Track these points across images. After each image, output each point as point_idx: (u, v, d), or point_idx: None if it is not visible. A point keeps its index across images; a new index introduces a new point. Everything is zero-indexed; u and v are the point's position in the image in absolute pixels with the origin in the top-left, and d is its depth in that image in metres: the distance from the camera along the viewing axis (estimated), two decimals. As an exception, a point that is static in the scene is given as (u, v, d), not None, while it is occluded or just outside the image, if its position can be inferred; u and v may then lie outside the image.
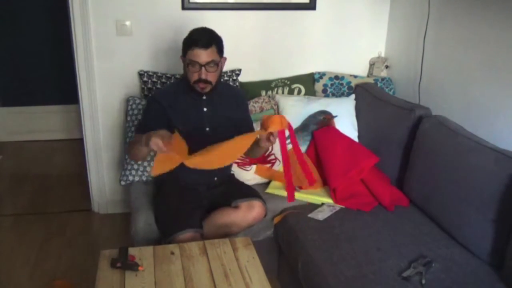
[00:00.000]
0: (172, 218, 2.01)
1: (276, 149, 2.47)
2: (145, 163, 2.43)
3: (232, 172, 2.35)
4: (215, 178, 2.20)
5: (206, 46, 1.95)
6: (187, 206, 2.04)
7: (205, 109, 2.12)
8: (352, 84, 2.82)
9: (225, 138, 1.95)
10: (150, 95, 2.25)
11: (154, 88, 2.61)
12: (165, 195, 2.16)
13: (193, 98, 2.11)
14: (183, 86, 2.12)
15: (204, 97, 2.10)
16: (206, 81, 2.01)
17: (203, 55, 1.95)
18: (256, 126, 2.44)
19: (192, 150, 1.96)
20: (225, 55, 2.07)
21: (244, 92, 2.40)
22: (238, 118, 2.20)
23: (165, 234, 2.00)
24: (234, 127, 2.13)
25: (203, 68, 1.97)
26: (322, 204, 2.21)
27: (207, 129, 2.11)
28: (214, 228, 2.03)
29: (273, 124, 1.85)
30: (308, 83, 2.84)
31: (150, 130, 1.89)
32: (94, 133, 2.75)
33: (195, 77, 2.00)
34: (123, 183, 2.44)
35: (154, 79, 2.62)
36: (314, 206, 2.19)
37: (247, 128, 2.20)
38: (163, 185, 2.21)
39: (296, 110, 2.59)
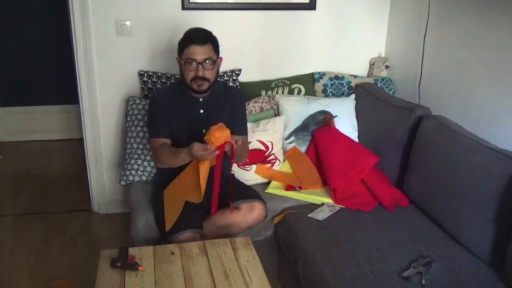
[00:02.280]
0: None
1: (276, 149, 2.47)
2: (145, 163, 2.43)
3: (232, 172, 2.35)
4: None
5: (202, 42, 1.97)
6: (187, 206, 2.04)
7: (201, 111, 2.12)
8: (352, 84, 2.83)
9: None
10: (150, 95, 2.24)
11: (154, 88, 2.61)
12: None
13: (190, 100, 2.11)
14: (180, 89, 2.12)
15: (201, 99, 2.10)
16: (204, 78, 2.01)
17: (200, 52, 1.97)
18: (255, 127, 2.45)
19: None
20: (225, 55, 2.07)
21: (242, 93, 2.38)
22: (234, 120, 2.18)
23: (165, 234, 2.00)
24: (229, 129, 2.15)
25: (200, 65, 1.98)
26: (322, 204, 2.21)
27: (204, 130, 2.10)
28: (214, 229, 2.03)
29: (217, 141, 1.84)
30: (308, 83, 2.84)
31: (166, 133, 2.06)
32: (94, 133, 2.75)
33: (191, 75, 2.01)
34: (123, 183, 2.44)
35: (154, 79, 2.62)
36: (314, 206, 2.19)
37: (240, 131, 2.18)
38: (164, 185, 2.21)
39: (296, 110, 2.59)
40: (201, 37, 1.98)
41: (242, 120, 2.25)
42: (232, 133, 2.09)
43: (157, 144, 2.09)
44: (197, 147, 1.83)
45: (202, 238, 1.95)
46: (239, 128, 2.19)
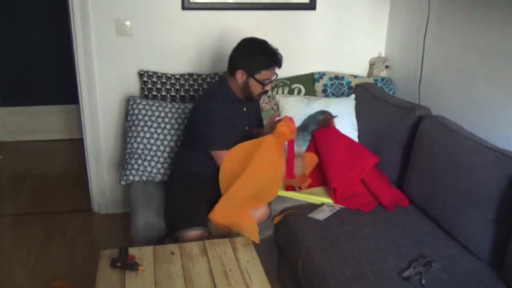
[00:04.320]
0: (182, 214, 2.02)
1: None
2: (145, 163, 2.43)
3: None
4: None
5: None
6: (199, 204, 2.05)
7: (245, 109, 2.19)
8: (352, 84, 2.82)
9: (252, 133, 2.24)
10: (208, 103, 2.11)
11: (154, 88, 2.62)
12: (180, 190, 2.16)
13: (235, 101, 2.14)
14: (225, 91, 2.13)
15: (244, 98, 2.15)
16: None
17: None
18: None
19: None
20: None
21: None
22: (258, 110, 2.36)
23: (172, 229, 2.00)
24: (256, 121, 2.34)
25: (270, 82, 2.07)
26: (322, 204, 2.21)
27: (247, 127, 2.20)
28: (218, 227, 2.04)
29: (282, 136, 2.02)
30: (308, 83, 2.84)
31: (232, 141, 2.07)
32: (94, 133, 2.75)
33: (262, 90, 2.07)
34: (123, 182, 2.44)
35: (154, 79, 2.62)
36: (314, 206, 2.19)
37: (260, 119, 2.38)
38: (180, 180, 2.21)
39: (296, 110, 2.59)
40: (282, 60, 2.05)
41: (259, 108, 2.45)
42: (259, 123, 2.33)
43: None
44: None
45: (210, 235, 1.96)
46: (260, 117, 2.38)
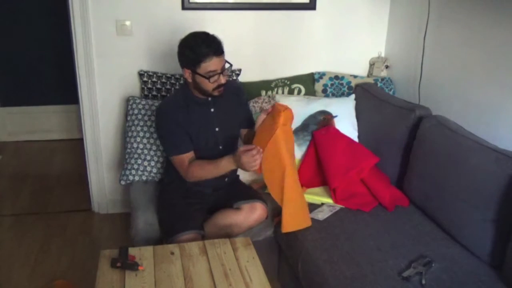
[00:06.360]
0: (174, 219, 2.02)
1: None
2: (145, 163, 2.43)
3: (237, 174, 2.34)
4: (226, 179, 2.20)
5: (222, 52, 1.93)
6: (190, 207, 2.05)
7: (212, 110, 2.10)
8: (352, 84, 2.83)
9: (232, 134, 2.15)
10: (157, 110, 2.12)
11: (154, 88, 2.62)
12: (169, 195, 2.16)
13: (199, 102, 2.07)
14: (185, 95, 2.07)
15: (210, 99, 2.07)
16: (224, 84, 1.99)
17: (221, 62, 1.93)
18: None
19: (204, 153, 2.05)
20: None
21: (241, 83, 2.41)
22: (241, 110, 2.22)
23: (166, 234, 2.00)
24: (239, 121, 2.20)
25: (221, 74, 1.95)
26: (322, 204, 2.21)
27: (217, 129, 2.11)
28: (216, 229, 2.04)
29: (287, 120, 2.02)
30: (308, 83, 2.84)
31: (189, 146, 2.02)
32: (94, 133, 2.75)
33: (214, 85, 1.96)
34: (123, 182, 2.44)
35: (154, 79, 2.62)
36: (314, 206, 2.19)
37: (248, 120, 2.25)
38: (169, 185, 2.21)
39: (296, 110, 2.56)
40: (219, 47, 1.91)
41: (248, 109, 2.31)
42: (247, 124, 2.22)
43: (184, 161, 2.03)
44: (245, 158, 1.85)
45: (203, 239, 1.95)
46: (250, 118, 2.26)
